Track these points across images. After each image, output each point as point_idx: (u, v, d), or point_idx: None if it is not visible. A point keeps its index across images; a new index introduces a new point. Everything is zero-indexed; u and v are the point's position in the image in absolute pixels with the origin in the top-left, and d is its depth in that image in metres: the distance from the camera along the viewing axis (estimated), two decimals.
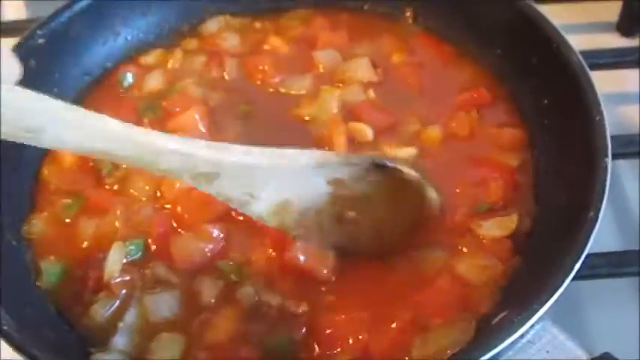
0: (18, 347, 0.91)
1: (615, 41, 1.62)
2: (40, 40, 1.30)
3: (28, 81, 1.24)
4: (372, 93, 1.33)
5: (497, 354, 0.88)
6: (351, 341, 1.00)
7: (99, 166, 1.23)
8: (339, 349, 1.00)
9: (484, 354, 0.87)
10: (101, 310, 1.06)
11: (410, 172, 1.03)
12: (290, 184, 0.97)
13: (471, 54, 1.41)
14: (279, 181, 0.96)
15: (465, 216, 1.13)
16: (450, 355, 0.94)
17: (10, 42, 1.31)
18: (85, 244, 1.15)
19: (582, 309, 1.14)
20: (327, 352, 1.00)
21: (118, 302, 1.07)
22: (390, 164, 1.01)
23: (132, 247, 1.12)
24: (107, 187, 1.22)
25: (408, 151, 1.22)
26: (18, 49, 1.27)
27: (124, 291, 1.08)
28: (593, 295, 1.15)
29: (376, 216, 1.05)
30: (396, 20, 1.49)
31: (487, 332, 0.96)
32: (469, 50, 1.42)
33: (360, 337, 0.99)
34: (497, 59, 1.37)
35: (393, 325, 1.00)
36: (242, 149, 0.95)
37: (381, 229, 1.06)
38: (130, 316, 1.05)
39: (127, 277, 1.09)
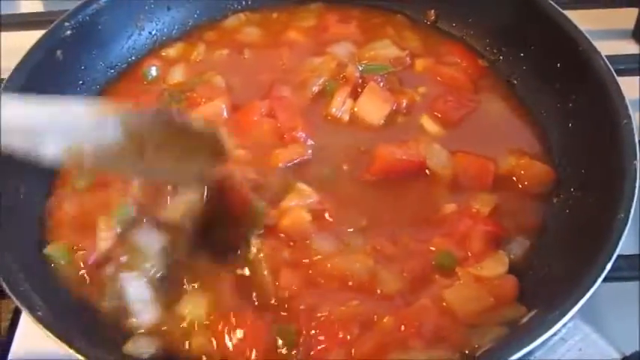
0: (57, 335, 0.92)
1: (631, 48, 1.62)
2: (68, 32, 1.31)
3: (54, 72, 1.28)
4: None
5: (530, 351, 0.88)
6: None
7: None
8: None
9: (518, 350, 0.88)
10: (112, 289, 1.07)
11: (198, 124, 1.06)
12: (77, 132, 0.99)
13: (491, 56, 1.43)
14: (65, 131, 0.99)
15: None
16: (483, 352, 0.94)
17: (27, 35, 1.32)
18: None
19: (606, 310, 1.14)
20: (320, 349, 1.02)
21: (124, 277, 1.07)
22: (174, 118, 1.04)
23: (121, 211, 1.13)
24: None
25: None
26: (45, 40, 1.27)
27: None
28: (615, 297, 1.15)
29: (173, 154, 1.06)
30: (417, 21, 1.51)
31: (518, 331, 0.96)
32: (489, 53, 1.43)
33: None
34: (521, 62, 1.37)
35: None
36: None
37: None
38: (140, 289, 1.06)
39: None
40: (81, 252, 1.12)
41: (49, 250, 1.13)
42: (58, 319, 0.96)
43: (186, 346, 1.03)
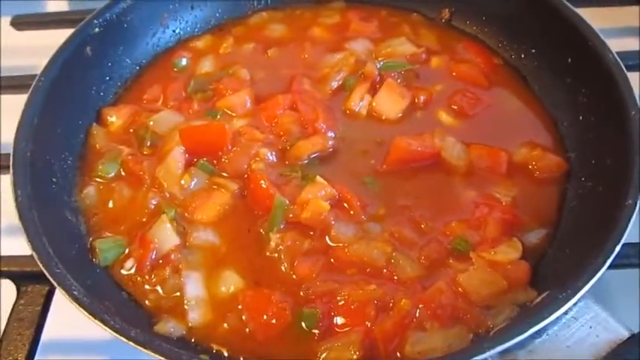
0: (91, 313, 0.96)
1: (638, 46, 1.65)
2: (96, 29, 1.36)
3: (84, 67, 1.33)
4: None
5: (544, 329, 0.92)
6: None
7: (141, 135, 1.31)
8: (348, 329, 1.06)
9: (531, 327, 0.92)
10: (166, 287, 1.13)
11: None
12: None
13: (504, 53, 1.47)
14: None
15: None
16: (497, 330, 0.99)
17: (53, 34, 1.37)
18: (131, 217, 1.22)
19: (616, 295, 1.18)
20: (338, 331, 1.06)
21: (180, 278, 1.13)
22: None
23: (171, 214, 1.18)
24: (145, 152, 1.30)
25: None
26: (75, 37, 1.32)
27: (180, 265, 1.13)
28: (624, 283, 1.19)
29: None
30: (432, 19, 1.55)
31: (530, 310, 1.00)
32: (502, 50, 1.48)
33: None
34: (533, 58, 1.42)
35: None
36: None
37: None
38: (195, 289, 1.11)
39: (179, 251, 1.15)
40: (132, 249, 1.17)
41: (98, 243, 1.17)
42: (92, 300, 1.00)
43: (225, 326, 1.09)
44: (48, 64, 1.28)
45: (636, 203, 1.03)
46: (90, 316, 0.96)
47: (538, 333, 0.93)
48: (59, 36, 1.36)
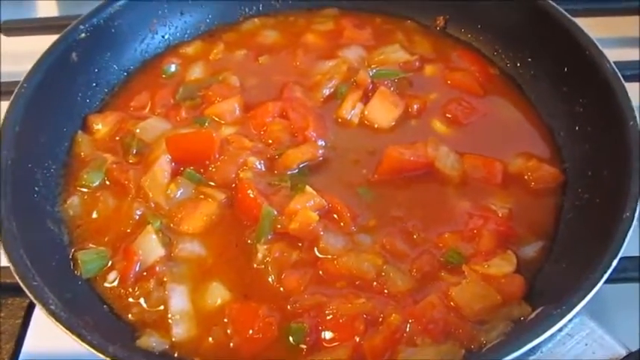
0: (67, 327, 0.93)
1: (638, 56, 1.63)
2: (82, 35, 1.34)
3: (70, 74, 1.30)
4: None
5: (538, 346, 0.89)
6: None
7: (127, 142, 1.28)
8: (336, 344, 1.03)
9: (525, 345, 0.89)
10: (150, 301, 1.10)
11: None
12: None
13: (499, 61, 1.45)
14: None
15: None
16: (490, 347, 0.95)
17: (43, 39, 1.35)
18: (116, 228, 1.19)
19: (613, 310, 1.15)
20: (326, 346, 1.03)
21: (164, 291, 1.10)
22: None
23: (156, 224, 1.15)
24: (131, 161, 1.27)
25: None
26: (61, 42, 1.29)
27: (165, 277, 1.09)
28: (622, 297, 1.16)
29: None
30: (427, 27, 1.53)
31: (524, 326, 0.97)
32: (498, 59, 1.45)
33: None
34: (529, 67, 1.39)
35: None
36: None
37: None
38: (180, 302, 1.08)
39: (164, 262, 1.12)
40: (116, 261, 1.14)
41: (81, 255, 1.14)
42: (70, 314, 0.97)
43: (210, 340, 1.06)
44: (31, 70, 1.25)
45: (634, 216, 1.00)
46: (66, 331, 0.93)
47: (532, 350, 0.90)
48: (49, 42, 1.33)
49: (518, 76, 1.42)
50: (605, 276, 0.94)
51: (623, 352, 0.91)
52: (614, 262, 0.96)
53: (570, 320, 0.92)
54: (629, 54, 1.60)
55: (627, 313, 1.17)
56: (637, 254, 1.13)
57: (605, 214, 1.07)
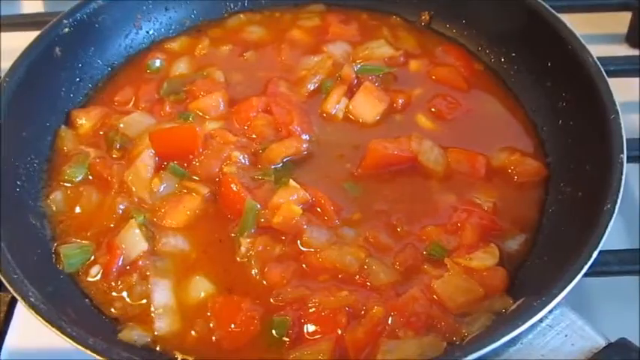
0: (46, 320, 0.93)
1: (624, 52, 1.64)
2: (66, 29, 1.33)
3: (53, 69, 1.30)
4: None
5: (518, 336, 0.89)
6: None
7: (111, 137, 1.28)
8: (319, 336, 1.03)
9: (505, 336, 0.89)
10: (133, 295, 1.09)
11: None
12: None
13: (484, 57, 1.45)
14: None
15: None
16: (472, 337, 0.95)
17: (27, 35, 1.34)
18: (99, 222, 1.18)
19: (597, 303, 1.15)
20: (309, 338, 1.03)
21: (147, 285, 1.09)
22: None
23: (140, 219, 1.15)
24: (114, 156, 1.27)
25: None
26: (44, 37, 1.29)
27: (148, 271, 1.09)
28: (606, 291, 1.17)
29: None
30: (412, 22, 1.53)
31: (505, 318, 0.97)
32: (482, 54, 1.45)
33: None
34: (513, 62, 1.40)
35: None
36: None
37: None
38: (163, 296, 1.08)
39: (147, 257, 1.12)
40: (98, 255, 1.14)
41: (63, 249, 1.14)
42: (50, 307, 0.96)
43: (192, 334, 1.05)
44: (14, 64, 1.25)
45: (615, 208, 1.00)
46: (46, 324, 0.93)
47: (512, 341, 0.90)
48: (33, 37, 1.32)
49: (502, 71, 1.43)
50: (586, 267, 0.94)
51: (603, 343, 0.91)
52: (595, 254, 0.96)
53: (551, 312, 0.92)
54: (614, 50, 1.62)
55: (610, 306, 1.17)
56: (619, 248, 1.14)
57: (587, 207, 1.08)
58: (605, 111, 1.14)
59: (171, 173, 1.22)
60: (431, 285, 1.07)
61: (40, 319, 0.93)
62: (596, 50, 1.26)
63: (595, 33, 1.66)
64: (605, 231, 0.98)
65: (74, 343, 0.91)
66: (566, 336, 0.92)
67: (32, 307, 0.95)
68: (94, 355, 0.90)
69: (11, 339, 1.13)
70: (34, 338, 1.15)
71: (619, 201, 1.02)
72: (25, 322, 1.09)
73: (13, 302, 1.12)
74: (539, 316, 0.90)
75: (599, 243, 0.96)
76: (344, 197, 1.21)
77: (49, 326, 0.93)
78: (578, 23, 1.33)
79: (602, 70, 1.19)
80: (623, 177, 1.05)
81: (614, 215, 1.00)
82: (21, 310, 1.11)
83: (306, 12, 1.56)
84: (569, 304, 0.96)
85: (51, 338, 0.97)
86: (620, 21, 1.69)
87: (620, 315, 1.15)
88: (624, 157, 1.08)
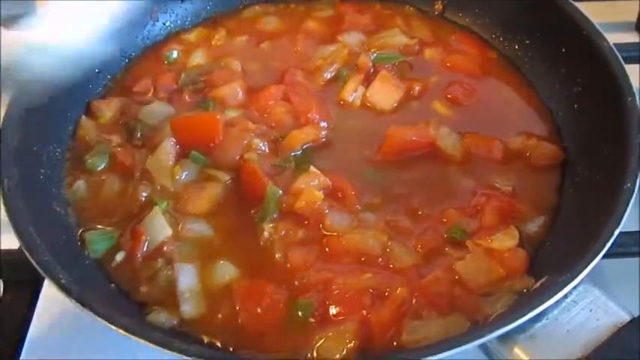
0: (79, 301, 0.94)
1: (634, 40, 1.65)
2: None
3: (70, 61, 1.30)
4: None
5: (544, 312, 0.91)
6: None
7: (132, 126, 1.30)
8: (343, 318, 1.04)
9: (530, 311, 0.90)
10: (158, 280, 1.10)
11: None
12: None
13: (497, 44, 1.47)
14: None
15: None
16: (497, 315, 0.97)
17: None
18: (123, 209, 1.19)
19: (616, 282, 1.16)
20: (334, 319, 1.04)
21: (172, 269, 1.10)
22: None
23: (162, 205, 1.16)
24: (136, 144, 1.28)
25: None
26: None
27: (173, 256, 1.11)
28: (624, 272, 1.18)
29: None
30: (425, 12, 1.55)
31: (529, 295, 0.98)
32: (496, 42, 1.47)
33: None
34: (527, 49, 1.42)
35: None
36: None
37: None
38: (188, 280, 1.09)
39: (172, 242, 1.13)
40: (123, 241, 1.15)
41: (88, 235, 1.15)
42: (81, 289, 0.97)
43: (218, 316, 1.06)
44: None
45: (635, 187, 1.02)
46: (79, 305, 0.94)
47: (538, 317, 0.92)
48: None
49: (516, 59, 1.44)
50: (608, 244, 0.96)
51: (627, 318, 0.92)
52: (617, 231, 0.97)
53: (575, 288, 0.93)
54: (624, 38, 1.62)
55: (628, 287, 1.18)
56: (636, 229, 1.15)
57: (605, 188, 1.09)
58: (622, 94, 1.16)
59: (192, 161, 1.23)
60: (453, 267, 1.09)
61: (74, 300, 0.94)
62: (608, 38, 1.27)
63: (605, 21, 1.66)
64: (626, 209, 0.99)
65: (108, 323, 0.91)
66: (590, 311, 0.93)
67: (64, 288, 0.95)
68: (127, 334, 0.91)
69: (35, 329, 1.15)
70: (57, 329, 1.16)
71: (638, 180, 1.03)
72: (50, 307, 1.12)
73: (37, 291, 1.15)
74: (564, 292, 0.91)
75: (621, 220, 0.98)
76: (363, 182, 1.22)
77: (82, 307, 0.94)
78: (587, 12, 1.34)
79: (618, 54, 1.20)
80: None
81: (635, 194, 1.01)
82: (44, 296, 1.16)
83: (320, 3, 1.58)
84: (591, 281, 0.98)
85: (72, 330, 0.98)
86: (630, 9, 1.70)
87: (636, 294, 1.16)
88: None
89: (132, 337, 0.91)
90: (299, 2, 1.58)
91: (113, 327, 0.91)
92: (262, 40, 1.49)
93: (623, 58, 1.24)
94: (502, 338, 0.91)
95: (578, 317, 0.93)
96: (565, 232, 1.13)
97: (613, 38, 1.29)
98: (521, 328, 0.90)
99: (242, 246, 1.15)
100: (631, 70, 1.27)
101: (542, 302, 0.90)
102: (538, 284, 1.00)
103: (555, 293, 0.91)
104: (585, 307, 0.93)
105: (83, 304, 0.94)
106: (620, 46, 1.28)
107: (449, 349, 0.88)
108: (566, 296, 0.93)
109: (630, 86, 1.16)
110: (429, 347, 0.94)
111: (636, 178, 1.03)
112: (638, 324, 0.91)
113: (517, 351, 0.93)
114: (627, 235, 1.12)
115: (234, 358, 1.04)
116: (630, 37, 1.68)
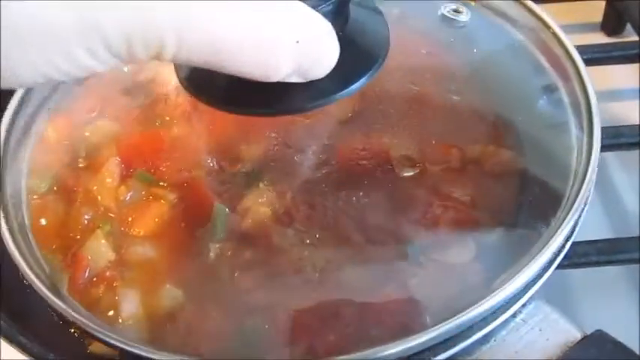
0: (5, 337, 0.91)
1: (600, 41, 1.64)
2: None
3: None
4: None
5: (491, 333, 0.87)
6: None
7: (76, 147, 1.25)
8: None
9: (475, 332, 0.86)
10: (100, 307, 1.06)
11: None
12: None
13: None
14: None
15: None
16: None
17: None
18: (65, 234, 1.15)
19: (571, 295, 1.14)
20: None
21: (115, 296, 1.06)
22: None
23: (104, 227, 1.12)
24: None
25: None
26: None
27: (115, 282, 1.07)
28: (581, 281, 1.15)
29: None
30: None
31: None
32: None
33: None
34: None
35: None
36: None
37: None
38: (131, 307, 1.05)
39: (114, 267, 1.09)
40: (64, 268, 1.10)
41: None
42: (11, 323, 0.94)
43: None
44: None
45: (581, 190, 0.99)
46: (5, 340, 0.90)
47: (485, 338, 0.88)
48: None
49: None
50: (558, 260, 0.92)
51: (579, 336, 0.89)
52: (568, 245, 0.94)
53: (524, 305, 0.90)
54: (590, 38, 1.61)
55: (591, 298, 1.17)
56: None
57: (560, 196, 1.06)
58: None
59: (138, 180, 1.19)
60: (405, 282, 1.05)
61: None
62: (573, 39, 1.25)
63: (571, 22, 1.67)
64: (578, 220, 0.95)
65: None
66: (540, 330, 0.89)
67: None
68: None
69: None
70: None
71: (591, 191, 1.00)
72: None
73: None
74: (512, 311, 0.88)
75: (571, 234, 0.94)
76: (314, 197, 1.18)
77: (9, 343, 0.90)
78: (554, 13, 1.31)
79: (580, 59, 1.18)
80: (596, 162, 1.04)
81: (586, 207, 0.98)
82: None
83: None
84: (547, 298, 0.95)
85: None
86: (595, 9, 1.70)
87: (601, 306, 1.15)
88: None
89: None
90: None
91: None
92: None
93: (589, 60, 1.22)
94: None
95: (526, 337, 0.90)
96: (519, 244, 1.09)
97: (580, 38, 1.27)
98: (466, 352, 0.86)
99: (188, 268, 1.11)
100: (596, 71, 1.26)
101: (488, 324, 0.86)
102: (486, 300, 0.96)
103: (502, 313, 0.87)
104: (535, 325, 0.90)
105: (11, 341, 0.90)
106: (586, 48, 1.26)
107: None
108: (514, 315, 0.89)
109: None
110: None
111: (589, 189, 0.99)
112: (589, 342, 0.88)
113: None
114: (588, 245, 1.11)
115: None
116: (596, 37, 1.66)
